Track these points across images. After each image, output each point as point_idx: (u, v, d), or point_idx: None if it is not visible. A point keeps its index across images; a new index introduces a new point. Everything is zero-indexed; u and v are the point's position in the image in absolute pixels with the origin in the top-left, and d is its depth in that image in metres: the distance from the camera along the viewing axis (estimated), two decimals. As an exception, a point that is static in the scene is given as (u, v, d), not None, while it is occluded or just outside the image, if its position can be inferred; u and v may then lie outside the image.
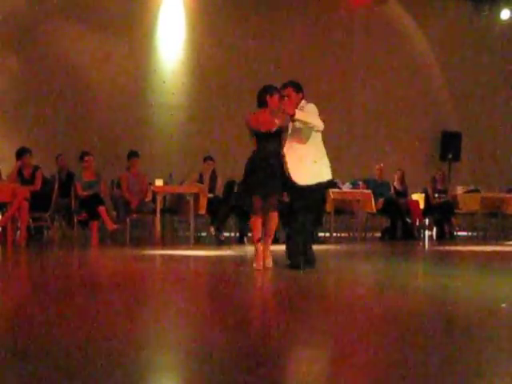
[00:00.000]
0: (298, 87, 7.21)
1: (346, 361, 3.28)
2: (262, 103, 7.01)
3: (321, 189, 7.40)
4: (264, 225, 7.04)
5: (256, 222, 7.02)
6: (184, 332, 3.96)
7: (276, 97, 6.96)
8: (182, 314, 4.60)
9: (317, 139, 7.12)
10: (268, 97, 6.94)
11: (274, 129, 6.85)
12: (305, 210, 7.06)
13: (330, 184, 7.30)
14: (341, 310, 4.82)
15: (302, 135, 7.04)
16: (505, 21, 17.26)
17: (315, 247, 7.34)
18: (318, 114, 7.04)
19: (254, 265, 6.97)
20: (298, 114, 6.84)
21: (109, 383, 2.77)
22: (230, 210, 11.19)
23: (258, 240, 6.98)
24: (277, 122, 6.83)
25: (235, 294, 5.59)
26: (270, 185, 6.90)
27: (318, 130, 7.03)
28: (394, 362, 3.25)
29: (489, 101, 17.14)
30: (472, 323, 4.36)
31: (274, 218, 7.05)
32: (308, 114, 6.97)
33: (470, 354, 3.42)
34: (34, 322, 4.06)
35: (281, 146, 6.99)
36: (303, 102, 7.15)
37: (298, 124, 6.95)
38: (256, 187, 6.93)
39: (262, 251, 7.00)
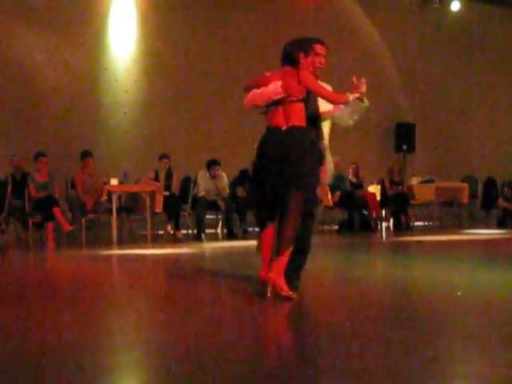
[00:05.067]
0: None
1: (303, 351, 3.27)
2: (291, 61, 5.18)
3: None
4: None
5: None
6: (141, 334, 3.92)
7: (313, 59, 5.22)
8: (138, 316, 4.55)
9: None
10: (302, 56, 5.16)
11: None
12: None
13: None
14: (300, 303, 4.82)
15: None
16: (455, 12, 17.44)
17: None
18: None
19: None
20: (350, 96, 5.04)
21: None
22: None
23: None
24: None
25: (192, 294, 5.55)
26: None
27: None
28: (353, 351, 3.24)
29: (441, 91, 17.32)
30: (428, 312, 4.39)
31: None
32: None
33: (426, 341, 3.43)
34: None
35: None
36: None
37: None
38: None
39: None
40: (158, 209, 11.06)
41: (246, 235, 11.53)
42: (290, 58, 5.18)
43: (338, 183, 13.00)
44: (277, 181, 4.94)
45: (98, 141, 13.00)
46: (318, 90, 5.05)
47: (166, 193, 11.34)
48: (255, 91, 5.23)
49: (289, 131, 5.02)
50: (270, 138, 5.08)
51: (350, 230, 12.93)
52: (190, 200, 11.72)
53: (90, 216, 10.97)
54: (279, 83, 5.09)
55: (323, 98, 5.09)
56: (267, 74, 5.31)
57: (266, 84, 5.17)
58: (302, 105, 5.08)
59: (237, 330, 3.90)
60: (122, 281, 6.70)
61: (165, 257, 8.92)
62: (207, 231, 11.64)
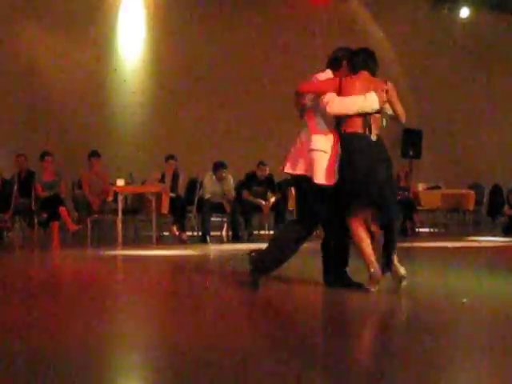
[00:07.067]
0: None
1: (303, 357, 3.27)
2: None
3: None
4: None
5: None
6: (144, 334, 3.92)
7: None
8: (142, 317, 4.55)
9: None
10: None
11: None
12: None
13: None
14: (306, 308, 4.82)
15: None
16: (464, 19, 17.44)
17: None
18: None
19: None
20: None
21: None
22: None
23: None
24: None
25: (197, 296, 5.55)
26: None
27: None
28: (353, 354, 3.24)
29: (449, 98, 17.30)
30: (432, 318, 4.38)
31: None
32: None
33: (427, 347, 3.43)
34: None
35: None
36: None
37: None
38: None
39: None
40: (164, 210, 11.06)
41: (251, 238, 11.52)
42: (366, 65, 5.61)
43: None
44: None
45: (104, 141, 13.00)
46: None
47: (172, 194, 11.36)
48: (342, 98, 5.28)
49: (379, 144, 5.30)
50: (363, 146, 5.28)
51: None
52: (195, 202, 11.72)
53: (96, 216, 10.99)
54: (374, 94, 5.34)
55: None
56: (332, 77, 5.56)
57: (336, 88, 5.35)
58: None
59: (241, 331, 3.90)
60: (127, 282, 6.70)
61: (169, 258, 8.92)
62: (212, 233, 11.63)
